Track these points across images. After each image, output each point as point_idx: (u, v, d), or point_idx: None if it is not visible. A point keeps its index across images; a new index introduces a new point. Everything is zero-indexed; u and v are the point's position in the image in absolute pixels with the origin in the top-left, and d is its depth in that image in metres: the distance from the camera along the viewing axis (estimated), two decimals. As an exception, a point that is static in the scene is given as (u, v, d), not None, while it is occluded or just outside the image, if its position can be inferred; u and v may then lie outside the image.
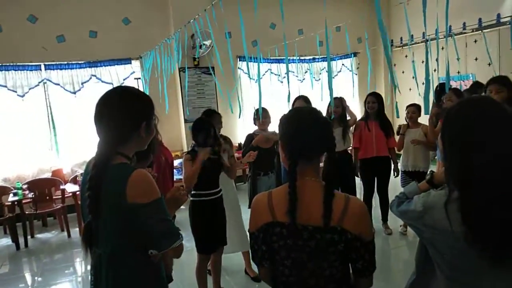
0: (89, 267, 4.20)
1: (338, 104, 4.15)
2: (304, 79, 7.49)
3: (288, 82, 3.24)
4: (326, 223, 1.18)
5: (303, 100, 3.96)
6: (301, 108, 1.44)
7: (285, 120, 1.34)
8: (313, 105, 4.06)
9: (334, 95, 3.47)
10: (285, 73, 7.20)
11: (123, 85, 5.60)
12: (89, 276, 1.48)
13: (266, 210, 1.27)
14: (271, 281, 1.35)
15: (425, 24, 2.18)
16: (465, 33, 6.28)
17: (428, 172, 1.47)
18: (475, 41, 6.37)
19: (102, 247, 1.36)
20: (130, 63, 6.18)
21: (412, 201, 1.24)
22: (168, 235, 1.32)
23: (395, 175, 4.34)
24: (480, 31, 5.83)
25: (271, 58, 6.81)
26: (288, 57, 6.86)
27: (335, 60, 7.69)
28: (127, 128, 1.38)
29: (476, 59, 6.44)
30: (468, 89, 4.63)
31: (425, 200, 1.20)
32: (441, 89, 4.48)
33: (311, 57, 7.30)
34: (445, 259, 1.18)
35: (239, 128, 6.90)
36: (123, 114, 1.37)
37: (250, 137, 3.81)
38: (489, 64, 6.18)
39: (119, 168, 1.34)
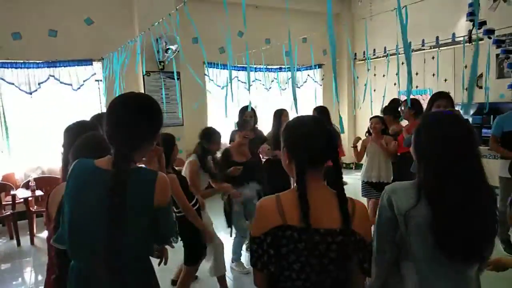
0: (40, 278, 3.93)
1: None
2: (270, 87, 7.55)
3: (232, 90, 3.22)
4: (347, 226, 1.23)
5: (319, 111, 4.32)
6: (305, 117, 1.44)
7: (292, 129, 1.36)
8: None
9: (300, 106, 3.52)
10: (252, 81, 7.31)
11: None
12: None
13: (275, 214, 1.26)
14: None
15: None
16: (423, 49, 6.57)
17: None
18: (433, 57, 6.67)
19: (123, 253, 1.30)
20: (92, 64, 5.97)
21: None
22: (175, 233, 1.61)
23: None
24: (437, 48, 6.13)
25: (238, 65, 6.78)
26: (255, 66, 6.91)
27: (300, 70, 7.80)
28: (149, 137, 1.41)
29: (433, 74, 6.75)
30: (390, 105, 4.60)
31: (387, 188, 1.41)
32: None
33: (277, 67, 7.38)
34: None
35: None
36: (151, 125, 1.40)
37: (227, 152, 3.67)
38: (445, 80, 6.51)
39: (142, 172, 1.38)
